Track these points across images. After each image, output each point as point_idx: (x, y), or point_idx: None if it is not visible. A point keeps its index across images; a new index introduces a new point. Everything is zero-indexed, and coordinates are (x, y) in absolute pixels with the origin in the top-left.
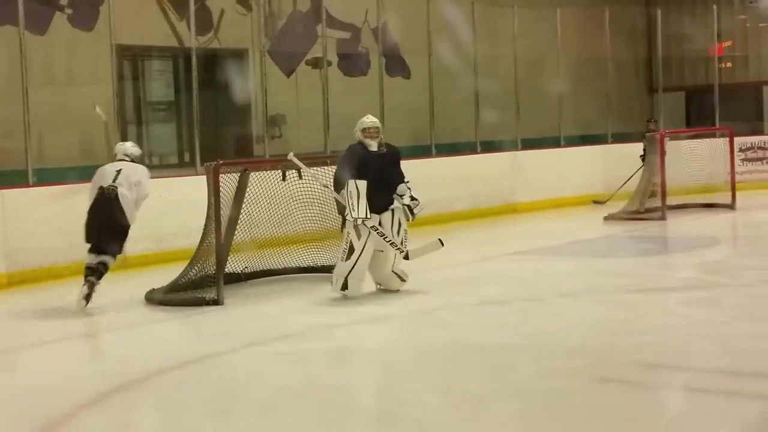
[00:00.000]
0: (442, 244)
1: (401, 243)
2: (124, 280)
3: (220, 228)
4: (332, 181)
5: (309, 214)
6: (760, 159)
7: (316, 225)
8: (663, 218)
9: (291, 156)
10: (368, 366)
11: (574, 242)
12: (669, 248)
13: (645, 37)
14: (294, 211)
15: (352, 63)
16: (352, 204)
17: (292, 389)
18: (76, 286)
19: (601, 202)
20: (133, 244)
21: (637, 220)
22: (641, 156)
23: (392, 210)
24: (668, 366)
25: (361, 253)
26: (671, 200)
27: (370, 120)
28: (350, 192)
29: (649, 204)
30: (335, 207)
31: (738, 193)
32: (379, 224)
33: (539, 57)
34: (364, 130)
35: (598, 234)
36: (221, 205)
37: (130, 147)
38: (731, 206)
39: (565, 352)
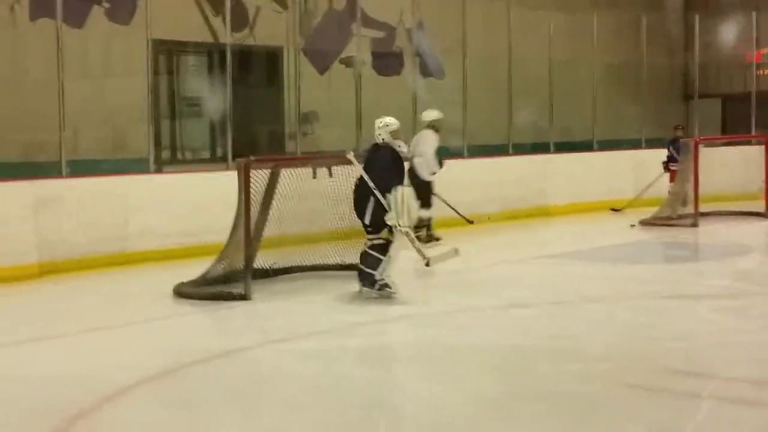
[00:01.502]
0: (458, 253)
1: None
2: (153, 273)
3: (249, 223)
4: (377, 174)
5: (338, 212)
6: None
7: (346, 223)
8: (695, 225)
9: (350, 155)
10: (393, 365)
11: (604, 247)
12: (700, 255)
13: (682, 43)
14: (324, 208)
15: (386, 62)
16: (399, 210)
17: (317, 386)
18: (106, 278)
19: (618, 209)
20: (163, 239)
21: (669, 226)
22: (664, 163)
23: None
24: (695, 373)
25: (393, 252)
26: (704, 207)
27: (396, 123)
28: (397, 199)
29: (681, 210)
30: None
31: None
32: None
33: (574, 61)
34: (392, 132)
35: (628, 239)
36: (251, 201)
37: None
38: (765, 215)
39: (590, 356)
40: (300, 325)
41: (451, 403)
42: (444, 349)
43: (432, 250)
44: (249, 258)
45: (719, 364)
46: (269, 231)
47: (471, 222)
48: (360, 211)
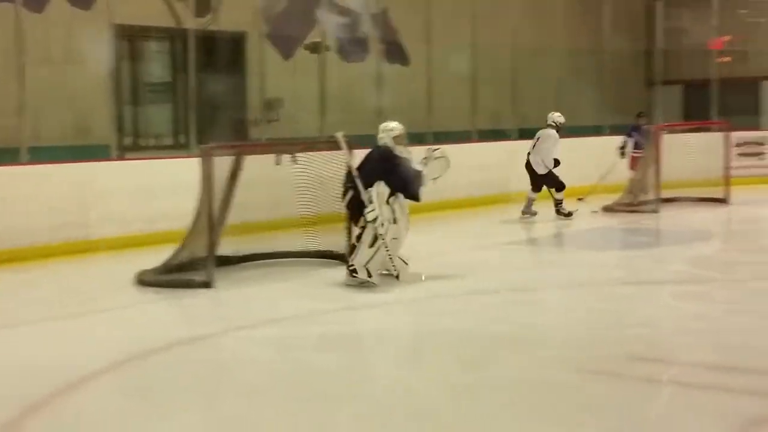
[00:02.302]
0: (424, 279)
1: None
2: (115, 261)
3: (212, 210)
4: (356, 172)
5: (303, 199)
6: (756, 154)
7: (309, 209)
8: (656, 211)
9: (339, 136)
10: (357, 352)
11: (568, 233)
12: (661, 241)
13: (644, 29)
14: (288, 195)
15: (351, 48)
16: (379, 205)
17: (280, 374)
18: (67, 265)
19: (582, 198)
20: (126, 226)
21: (631, 212)
22: (620, 148)
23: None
24: (657, 359)
25: (382, 243)
26: (665, 193)
27: (399, 127)
28: (379, 193)
29: (643, 197)
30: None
31: (733, 188)
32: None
33: (538, 47)
34: (395, 138)
35: (591, 225)
36: (214, 188)
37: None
38: (725, 201)
39: (554, 343)
40: (263, 312)
41: (415, 390)
42: (409, 337)
43: (405, 268)
44: (212, 245)
45: (681, 350)
46: (232, 218)
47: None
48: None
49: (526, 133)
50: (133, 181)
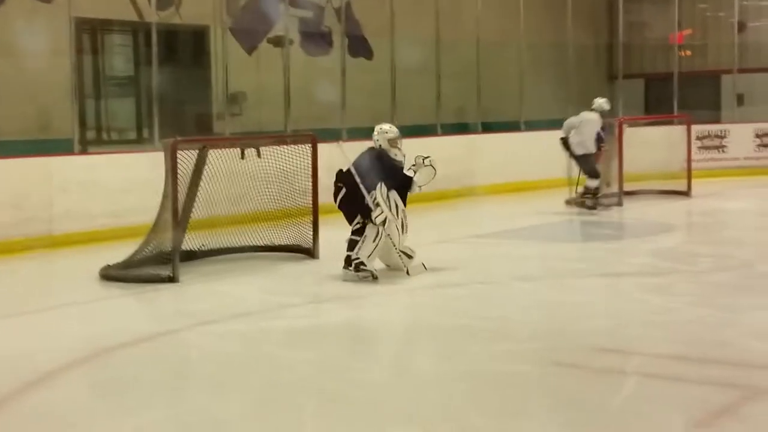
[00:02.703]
0: (425, 268)
1: (402, 222)
2: (79, 256)
3: (176, 205)
4: (359, 174)
5: (268, 193)
6: (717, 147)
7: (275, 204)
8: (620, 204)
9: (340, 145)
10: (323, 346)
11: (532, 226)
12: (625, 234)
13: (606, 23)
14: (253, 189)
15: (314, 42)
16: (386, 206)
17: (244, 368)
18: (31, 260)
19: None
20: (90, 220)
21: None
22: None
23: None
24: (620, 351)
25: (382, 239)
26: (628, 186)
27: (394, 130)
28: (384, 194)
29: (606, 190)
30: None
31: (694, 181)
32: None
33: (501, 41)
34: (390, 140)
35: (555, 219)
36: (179, 182)
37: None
38: (687, 193)
39: (518, 335)
40: (228, 306)
41: (379, 382)
42: (376, 330)
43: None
44: (177, 240)
45: (644, 341)
46: (197, 212)
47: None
48: (335, 199)
49: (490, 127)
50: (97, 175)
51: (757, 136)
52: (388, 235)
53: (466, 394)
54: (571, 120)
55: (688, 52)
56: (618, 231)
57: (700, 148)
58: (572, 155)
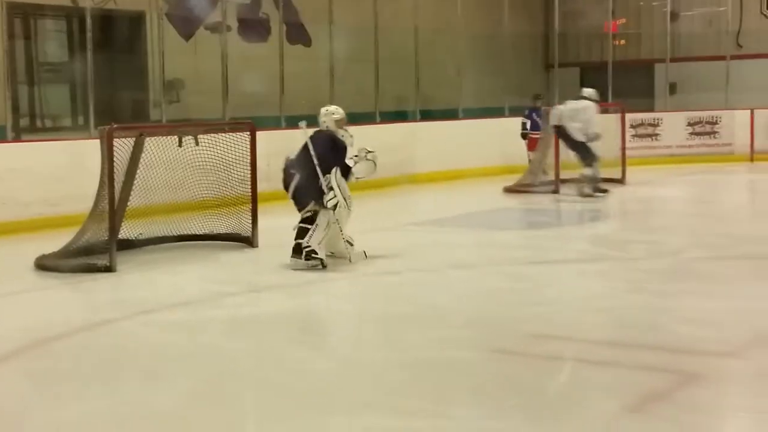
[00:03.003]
0: (366, 257)
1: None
2: (14, 245)
3: (113, 193)
4: (317, 157)
5: (206, 181)
6: (650, 135)
7: (213, 192)
8: (557, 191)
9: (302, 124)
10: (262, 335)
11: (470, 214)
12: (562, 221)
13: (542, 12)
14: (191, 177)
15: (252, 29)
16: (340, 190)
17: (183, 358)
18: None
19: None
20: (24, 209)
21: (531, 193)
22: (522, 134)
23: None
24: (558, 337)
25: (330, 226)
26: (564, 174)
27: (340, 112)
28: (339, 179)
29: (543, 177)
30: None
31: (628, 168)
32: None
33: (440, 29)
34: (337, 121)
35: (494, 206)
36: (115, 170)
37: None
38: (621, 181)
39: (456, 322)
40: (166, 296)
41: (319, 370)
42: (313, 318)
43: (353, 249)
44: (113, 229)
45: (580, 327)
46: (134, 201)
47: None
48: (287, 186)
49: (429, 115)
50: (31, 163)
51: (689, 124)
52: (337, 221)
53: (407, 381)
54: (560, 108)
55: (623, 42)
56: (554, 218)
57: (633, 136)
58: (569, 142)
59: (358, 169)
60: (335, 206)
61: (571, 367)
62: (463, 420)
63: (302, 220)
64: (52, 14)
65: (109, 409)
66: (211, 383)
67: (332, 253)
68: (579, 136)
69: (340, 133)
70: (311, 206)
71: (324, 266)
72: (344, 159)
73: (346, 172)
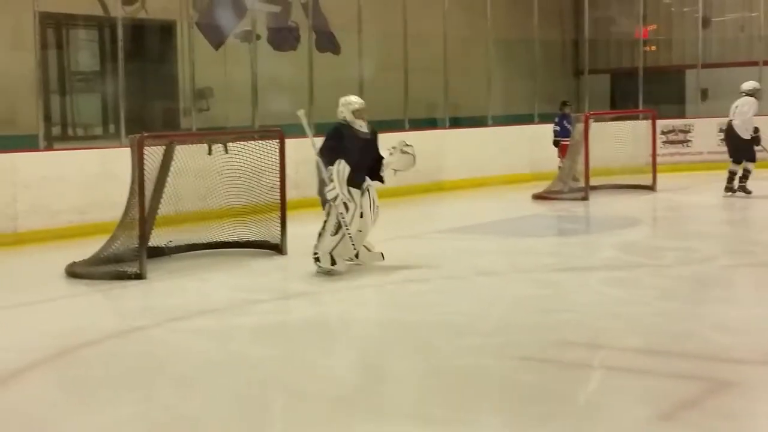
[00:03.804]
0: (383, 258)
1: (374, 218)
2: (44, 253)
3: (143, 201)
4: (319, 153)
5: (235, 189)
6: (681, 142)
7: (242, 199)
8: (586, 198)
9: (301, 113)
10: (291, 342)
11: (499, 221)
12: (591, 228)
13: (572, 19)
14: (220, 185)
15: (281, 37)
16: (339, 183)
17: (212, 365)
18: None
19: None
20: (55, 217)
21: (561, 199)
22: (554, 141)
23: (367, 189)
24: (586, 344)
25: (348, 229)
26: (594, 181)
27: (359, 101)
28: (338, 171)
29: (573, 184)
30: (263, 183)
31: (659, 175)
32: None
33: (469, 36)
34: (354, 111)
35: (522, 213)
36: (146, 178)
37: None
38: (652, 188)
39: (484, 330)
40: (196, 303)
41: (349, 378)
42: (342, 326)
43: (363, 250)
44: (143, 236)
45: (609, 335)
46: (164, 209)
47: None
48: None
49: (458, 122)
50: (62, 171)
51: (721, 130)
52: (342, 217)
53: (433, 389)
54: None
55: (653, 48)
56: (584, 225)
57: (665, 142)
58: (732, 140)
59: (397, 162)
60: (335, 198)
61: (599, 374)
62: (489, 428)
63: (323, 224)
64: (84, 24)
65: (140, 415)
66: (239, 390)
67: (350, 259)
68: (744, 134)
69: (358, 124)
70: (326, 207)
71: (334, 273)
72: (354, 149)
73: (378, 163)
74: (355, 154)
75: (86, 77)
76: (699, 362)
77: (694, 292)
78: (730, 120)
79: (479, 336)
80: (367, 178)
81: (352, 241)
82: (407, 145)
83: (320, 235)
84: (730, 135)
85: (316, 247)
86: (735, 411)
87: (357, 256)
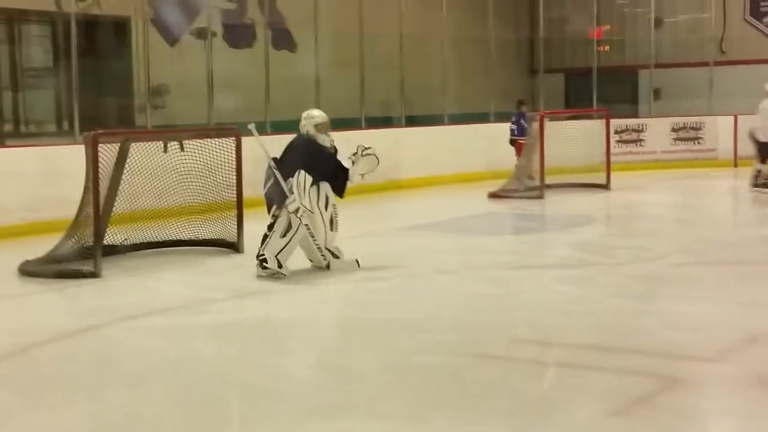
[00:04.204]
0: (359, 266)
1: (331, 218)
2: None
3: (98, 199)
4: (274, 162)
5: (191, 187)
6: (635, 141)
7: (198, 198)
8: (541, 197)
9: (252, 127)
10: (247, 341)
11: (455, 219)
12: (546, 227)
13: (527, 18)
14: (176, 183)
15: (237, 34)
16: (300, 194)
17: (167, 363)
18: None
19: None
20: (7, 215)
21: (517, 198)
22: (511, 140)
23: (318, 185)
24: (541, 341)
25: (295, 233)
26: (549, 179)
27: (322, 115)
28: (299, 182)
29: (528, 183)
30: (219, 180)
31: (613, 174)
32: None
33: (425, 35)
34: (317, 126)
35: (478, 212)
36: (100, 176)
37: None
38: (606, 186)
39: (441, 327)
40: (151, 302)
41: (306, 376)
42: (299, 324)
43: (334, 260)
44: (98, 234)
45: (563, 332)
46: (119, 207)
47: None
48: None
49: (414, 121)
50: (14, 168)
51: (674, 130)
52: (308, 228)
53: (389, 386)
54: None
55: (607, 48)
56: (539, 224)
57: (618, 141)
58: (755, 143)
59: (361, 167)
60: (296, 210)
61: (553, 371)
62: (444, 425)
63: (267, 227)
64: (36, 19)
65: (93, 415)
66: (194, 389)
67: (311, 261)
68: (760, 137)
69: (321, 138)
70: (274, 210)
71: (280, 276)
72: (319, 163)
73: (341, 176)
74: (319, 167)
75: (39, 73)
76: (651, 359)
77: (647, 290)
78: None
79: (436, 333)
80: (328, 190)
81: (321, 252)
82: (367, 148)
83: (266, 236)
84: (752, 138)
85: (262, 249)
86: (686, 407)
87: (329, 266)
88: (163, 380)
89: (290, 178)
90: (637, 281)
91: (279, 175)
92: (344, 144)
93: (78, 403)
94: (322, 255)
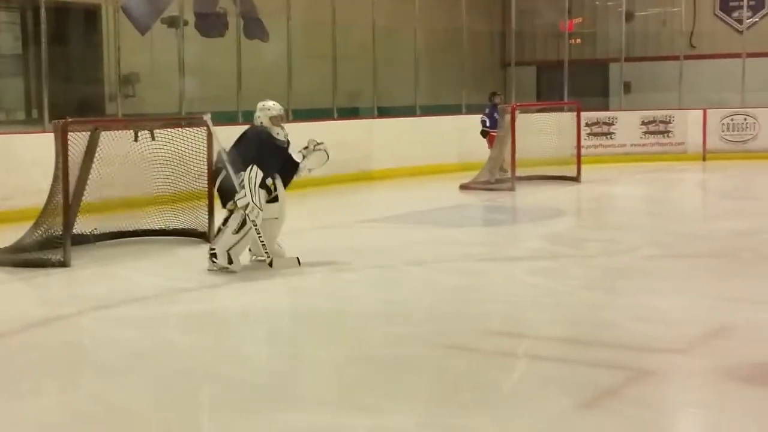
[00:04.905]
0: (299, 264)
1: (281, 222)
2: None
3: (67, 187)
4: (225, 153)
5: (161, 176)
6: (605, 134)
7: (169, 187)
8: (512, 189)
9: (207, 118)
10: (217, 331)
11: (427, 211)
12: (517, 219)
13: (500, 11)
14: (146, 172)
15: (209, 23)
16: (251, 190)
17: (139, 354)
18: None
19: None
20: None
21: (488, 190)
22: (482, 132)
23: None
24: (512, 333)
25: (249, 230)
26: (520, 172)
27: (278, 107)
28: (251, 177)
29: (499, 175)
30: (190, 170)
31: (583, 167)
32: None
33: (397, 26)
34: (272, 118)
35: (450, 203)
36: (70, 165)
37: None
38: (577, 179)
39: (411, 319)
40: (122, 291)
41: (277, 366)
42: (270, 315)
43: (280, 255)
44: (68, 223)
45: (534, 324)
46: (89, 196)
47: None
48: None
49: (386, 112)
50: None
51: (644, 123)
52: (254, 224)
53: (361, 377)
54: None
55: (578, 41)
56: (510, 216)
57: (589, 134)
58: None
59: (311, 162)
60: (246, 206)
61: (523, 363)
62: (415, 416)
63: (223, 220)
64: (5, 6)
65: (64, 404)
66: (165, 378)
67: (255, 256)
68: None
69: (275, 131)
70: (229, 205)
71: (231, 271)
72: (272, 157)
73: (291, 169)
74: (270, 161)
75: (8, 60)
76: (620, 351)
77: (617, 283)
78: None
79: (407, 325)
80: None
81: (265, 249)
82: (318, 143)
83: (220, 231)
84: None
85: (214, 243)
86: (654, 399)
87: (271, 264)
88: (135, 370)
89: (241, 173)
90: (607, 274)
91: (231, 169)
92: (316, 134)
93: (47, 392)
94: (266, 252)
